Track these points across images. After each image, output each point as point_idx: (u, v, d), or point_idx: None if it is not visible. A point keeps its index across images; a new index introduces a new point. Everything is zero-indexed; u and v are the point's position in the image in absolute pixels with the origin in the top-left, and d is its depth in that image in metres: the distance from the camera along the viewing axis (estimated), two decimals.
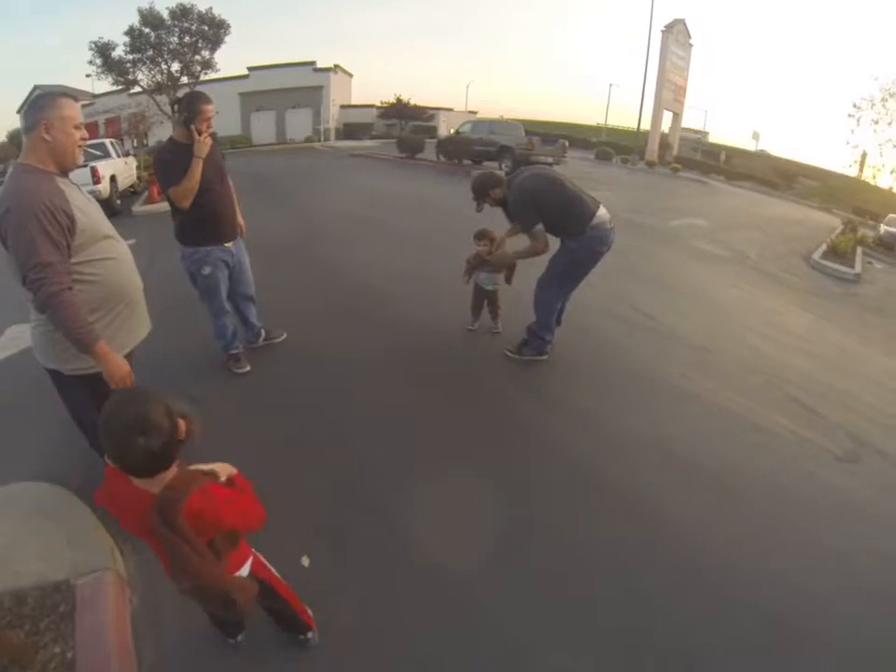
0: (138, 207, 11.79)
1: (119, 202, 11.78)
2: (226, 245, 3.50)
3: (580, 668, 1.87)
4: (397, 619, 2.03)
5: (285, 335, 4.32)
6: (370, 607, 2.08)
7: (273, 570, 1.77)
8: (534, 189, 3.73)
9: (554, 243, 3.81)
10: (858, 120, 16.85)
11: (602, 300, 5.42)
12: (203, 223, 3.34)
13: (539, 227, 3.66)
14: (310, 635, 1.89)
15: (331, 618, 2.00)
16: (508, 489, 2.73)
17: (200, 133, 3.11)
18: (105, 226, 2.17)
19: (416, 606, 2.09)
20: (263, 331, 4.19)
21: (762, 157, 44.79)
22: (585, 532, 2.47)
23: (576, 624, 2.02)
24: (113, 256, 2.16)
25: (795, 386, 4.04)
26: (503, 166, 16.30)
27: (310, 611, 1.91)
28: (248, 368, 3.83)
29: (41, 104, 1.93)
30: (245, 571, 1.61)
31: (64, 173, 2.04)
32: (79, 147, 2.03)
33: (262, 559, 1.74)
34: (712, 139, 50.63)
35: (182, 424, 1.33)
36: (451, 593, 2.14)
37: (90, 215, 2.05)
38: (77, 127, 1.98)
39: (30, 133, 1.93)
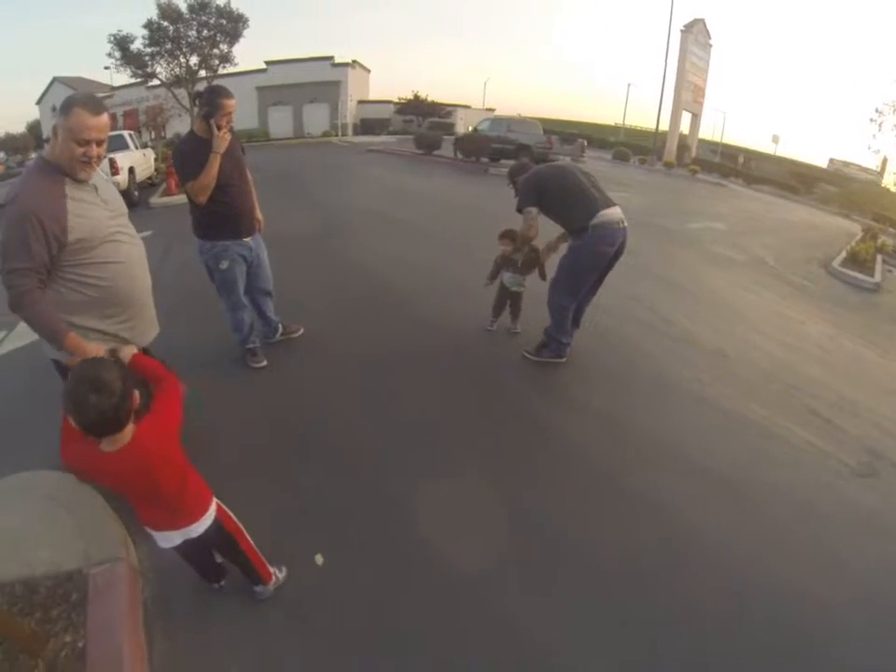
0: (156, 199, 11.90)
1: (136, 193, 11.89)
2: (244, 239, 3.49)
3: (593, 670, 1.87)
4: (412, 622, 2.02)
5: (302, 330, 4.32)
6: (384, 609, 2.07)
7: (237, 522, 1.91)
8: (541, 174, 3.84)
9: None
10: (880, 125, 16.62)
11: (620, 302, 5.37)
12: (221, 218, 3.33)
13: (530, 209, 3.70)
14: (259, 588, 2.03)
15: (343, 619, 2.02)
16: (524, 491, 2.72)
17: (219, 128, 3.09)
18: (109, 226, 2.13)
19: (432, 608, 2.08)
20: (281, 326, 4.18)
21: (785, 161, 44.06)
22: (602, 537, 2.44)
23: (592, 629, 2.01)
24: (117, 260, 2.15)
25: (812, 396, 3.98)
26: None
27: (272, 569, 2.04)
28: (265, 363, 3.84)
29: (62, 105, 1.90)
30: (210, 517, 1.79)
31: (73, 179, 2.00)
32: (82, 162, 1.94)
33: (226, 509, 1.89)
34: (730, 141, 49.71)
35: (136, 394, 1.50)
36: (465, 595, 2.13)
37: (89, 220, 2.02)
38: (79, 142, 1.88)
39: (52, 130, 1.94)
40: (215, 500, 1.84)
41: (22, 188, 1.93)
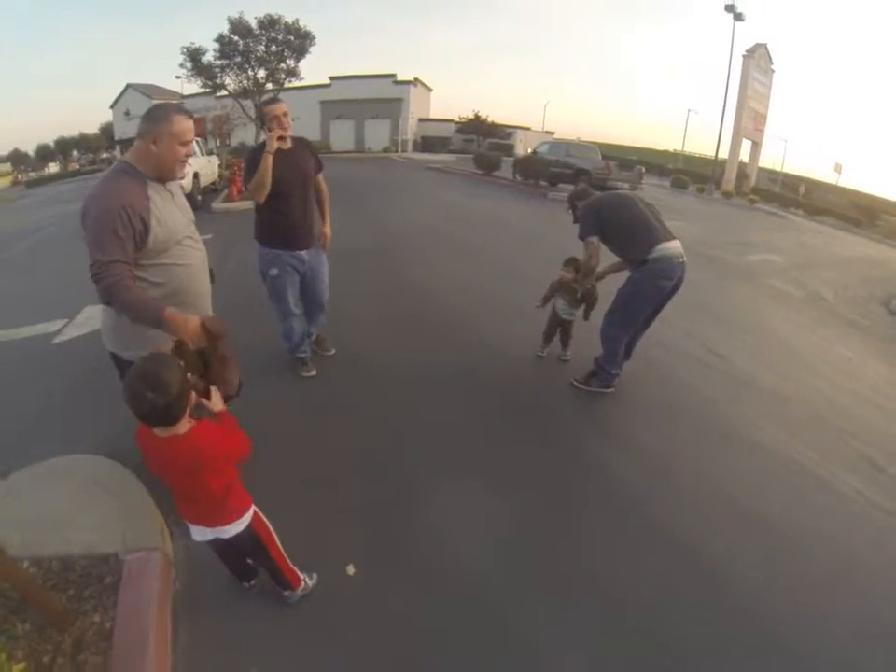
0: (217, 204, 12.37)
1: (200, 197, 12.39)
2: (297, 251, 3.56)
3: None
4: (435, 639, 2.01)
5: (333, 351, 4.33)
6: (409, 623, 2.06)
7: (271, 529, 1.94)
8: (603, 202, 3.81)
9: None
10: None
11: (673, 336, 5.25)
12: (275, 227, 3.45)
13: (592, 238, 3.66)
14: (287, 593, 2.07)
15: (367, 629, 2.02)
16: (560, 521, 2.68)
17: (271, 131, 3.23)
18: (183, 231, 2.23)
19: (456, 628, 2.06)
20: (315, 337, 4.21)
21: (848, 192, 42.30)
22: (636, 574, 2.37)
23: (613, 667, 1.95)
24: (183, 262, 2.23)
25: (867, 443, 3.77)
26: None
27: (302, 575, 2.07)
28: (314, 372, 3.92)
29: (156, 115, 2.03)
30: (244, 522, 1.83)
31: (161, 181, 2.13)
32: (182, 161, 2.12)
33: (262, 516, 1.92)
34: (790, 170, 47.96)
35: (193, 394, 1.62)
36: (492, 619, 2.10)
37: (168, 223, 2.10)
38: (183, 143, 2.06)
39: (141, 138, 2.04)
40: (253, 508, 1.89)
41: (107, 186, 2.01)
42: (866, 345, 6.67)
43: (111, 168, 2.14)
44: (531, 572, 2.34)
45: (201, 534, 1.84)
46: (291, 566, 2.03)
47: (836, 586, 2.42)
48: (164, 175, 2.11)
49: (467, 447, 3.23)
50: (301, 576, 2.08)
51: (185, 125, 2.05)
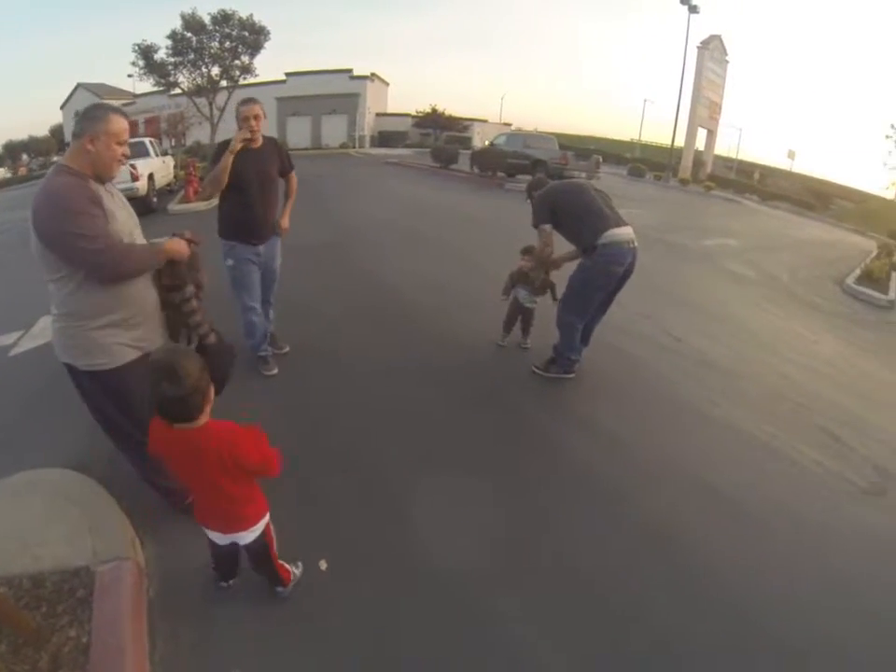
0: (174, 206, 12.10)
1: (155, 199, 12.09)
2: (254, 245, 3.60)
3: None
4: (411, 626, 2.03)
5: (287, 348, 4.31)
6: (384, 615, 2.08)
7: (274, 540, 1.98)
8: (555, 190, 3.89)
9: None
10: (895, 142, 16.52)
11: (631, 320, 5.37)
12: (231, 221, 3.53)
13: (545, 226, 3.76)
14: (280, 588, 2.09)
15: (344, 622, 2.03)
16: (526, 507, 2.72)
17: (240, 130, 3.30)
18: (129, 231, 2.18)
19: (430, 614, 2.09)
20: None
21: (801, 177, 43.56)
22: (602, 556, 2.42)
23: (585, 651, 1.99)
24: None
25: (823, 416, 3.94)
26: None
27: (290, 569, 2.10)
28: (276, 371, 3.91)
29: (93, 114, 2.00)
30: (259, 529, 1.88)
31: (100, 181, 2.10)
32: (119, 161, 2.12)
33: (271, 527, 1.96)
34: (745, 157, 49.21)
35: (211, 392, 1.64)
36: (462, 605, 2.13)
37: (117, 218, 2.09)
38: (119, 143, 2.05)
39: (77, 139, 2.00)
40: (267, 515, 1.92)
41: (51, 186, 1.96)
42: (821, 322, 6.91)
43: (49, 171, 2.09)
44: (499, 559, 2.38)
45: (218, 539, 1.89)
46: (284, 564, 2.06)
47: (798, 552, 2.54)
48: (102, 174, 2.09)
49: (431, 439, 3.26)
50: (289, 568, 2.10)
51: (122, 125, 2.05)
